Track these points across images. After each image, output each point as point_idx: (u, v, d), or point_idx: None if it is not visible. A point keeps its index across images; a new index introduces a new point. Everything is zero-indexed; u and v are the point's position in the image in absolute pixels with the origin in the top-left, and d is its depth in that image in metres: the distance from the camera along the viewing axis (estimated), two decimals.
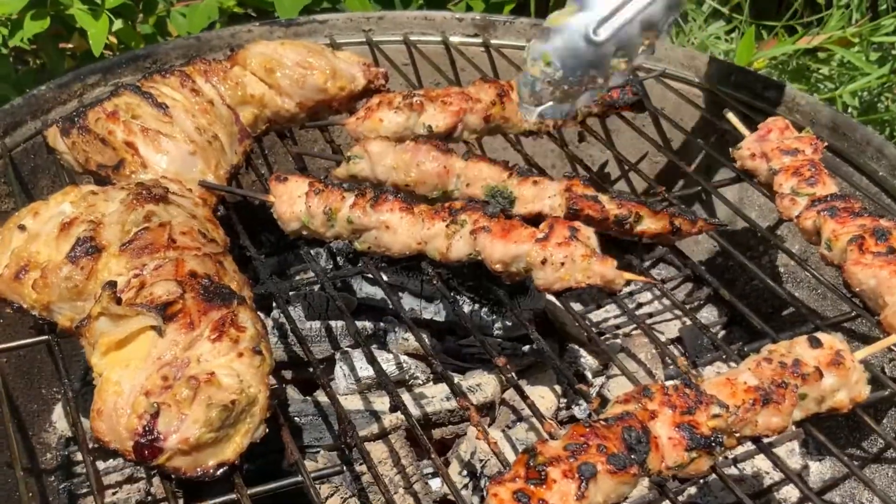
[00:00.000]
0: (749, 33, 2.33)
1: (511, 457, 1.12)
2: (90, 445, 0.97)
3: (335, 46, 1.59)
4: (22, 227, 1.05)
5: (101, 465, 1.26)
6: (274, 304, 1.35)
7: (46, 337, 1.05)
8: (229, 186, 1.23)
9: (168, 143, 1.21)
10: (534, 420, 1.24)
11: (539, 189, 1.20)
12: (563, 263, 1.07)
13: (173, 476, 0.89)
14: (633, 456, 0.87)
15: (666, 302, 1.52)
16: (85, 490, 1.25)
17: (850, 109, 2.56)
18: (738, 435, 0.93)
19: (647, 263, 1.59)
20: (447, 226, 1.12)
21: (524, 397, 1.01)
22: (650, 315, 1.49)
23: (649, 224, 1.18)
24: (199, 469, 0.89)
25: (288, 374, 1.32)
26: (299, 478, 0.92)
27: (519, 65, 1.58)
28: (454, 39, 1.65)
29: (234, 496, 0.90)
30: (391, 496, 0.93)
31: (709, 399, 0.92)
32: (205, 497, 0.89)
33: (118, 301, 0.93)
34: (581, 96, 1.16)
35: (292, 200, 1.17)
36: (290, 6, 1.99)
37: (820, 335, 0.99)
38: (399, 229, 1.13)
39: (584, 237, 1.10)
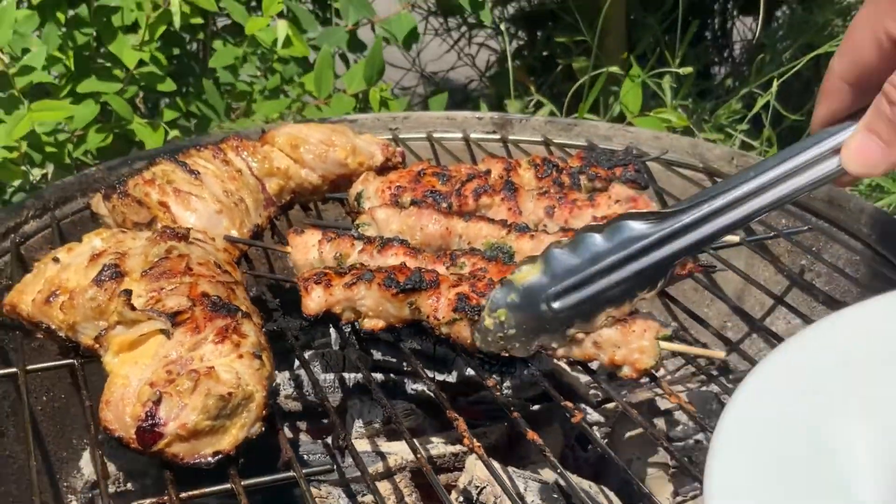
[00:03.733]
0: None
1: (507, 487, 1.15)
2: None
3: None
4: (56, 260, 1.16)
5: None
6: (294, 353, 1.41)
7: (71, 361, 1.14)
8: (251, 240, 1.33)
9: (197, 203, 1.32)
10: (538, 466, 1.27)
11: (536, 242, 1.26)
12: None
13: (172, 463, 0.95)
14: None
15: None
16: None
17: None
18: None
19: None
20: (447, 268, 1.20)
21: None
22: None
23: None
24: (196, 456, 0.95)
25: (303, 426, 1.38)
26: (292, 473, 0.97)
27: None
28: (474, 136, 1.77)
29: (229, 485, 0.96)
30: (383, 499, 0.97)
31: None
32: (199, 485, 0.95)
33: (132, 307, 1.02)
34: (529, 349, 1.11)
35: (307, 249, 1.26)
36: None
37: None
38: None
39: None
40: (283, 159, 1.45)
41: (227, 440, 0.96)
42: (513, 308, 1.07)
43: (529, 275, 1.06)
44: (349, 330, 1.47)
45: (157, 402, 0.94)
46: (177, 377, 0.96)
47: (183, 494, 0.94)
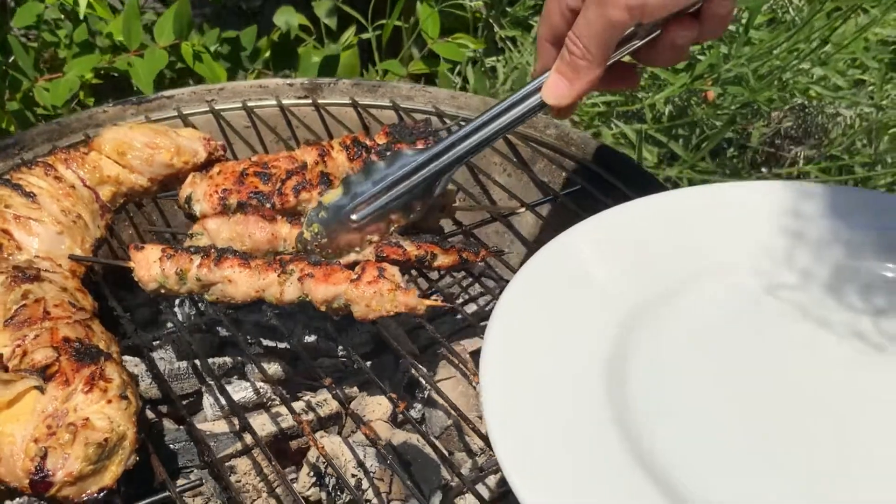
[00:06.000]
0: None
1: (349, 457, 1.38)
2: None
3: (182, 118, 1.83)
4: None
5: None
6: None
7: None
8: (95, 257, 1.46)
9: (38, 227, 1.43)
10: (373, 424, 1.50)
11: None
12: (373, 298, 1.34)
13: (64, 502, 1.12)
14: None
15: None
16: None
17: (664, 116, 2.91)
18: None
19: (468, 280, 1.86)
20: (279, 275, 1.37)
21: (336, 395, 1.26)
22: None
23: (443, 259, 1.45)
24: (84, 495, 1.12)
25: (164, 409, 1.55)
26: (167, 493, 1.16)
27: (342, 120, 1.85)
28: (287, 102, 1.90)
29: None
30: (241, 498, 1.17)
31: None
32: None
33: (5, 369, 1.16)
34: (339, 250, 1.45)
35: (149, 265, 1.40)
36: (144, 76, 2.21)
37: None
38: (240, 282, 1.38)
39: (389, 275, 1.36)
40: (113, 167, 1.56)
41: (109, 476, 1.14)
42: (323, 222, 1.42)
43: (334, 196, 1.42)
44: (193, 313, 1.64)
45: (44, 456, 1.10)
46: (57, 430, 1.12)
47: None
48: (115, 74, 2.25)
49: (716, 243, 1.23)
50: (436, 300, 1.41)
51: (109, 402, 1.16)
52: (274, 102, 1.90)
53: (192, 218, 1.54)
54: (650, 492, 0.91)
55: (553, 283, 1.18)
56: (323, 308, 1.37)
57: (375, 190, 1.41)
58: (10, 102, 2.21)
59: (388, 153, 1.42)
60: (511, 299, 1.16)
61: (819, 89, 2.91)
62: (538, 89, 1.28)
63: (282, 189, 1.51)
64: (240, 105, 1.89)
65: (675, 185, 2.62)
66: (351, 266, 1.40)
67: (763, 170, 2.99)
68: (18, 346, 1.21)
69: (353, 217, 1.41)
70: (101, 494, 1.13)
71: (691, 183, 2.70)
